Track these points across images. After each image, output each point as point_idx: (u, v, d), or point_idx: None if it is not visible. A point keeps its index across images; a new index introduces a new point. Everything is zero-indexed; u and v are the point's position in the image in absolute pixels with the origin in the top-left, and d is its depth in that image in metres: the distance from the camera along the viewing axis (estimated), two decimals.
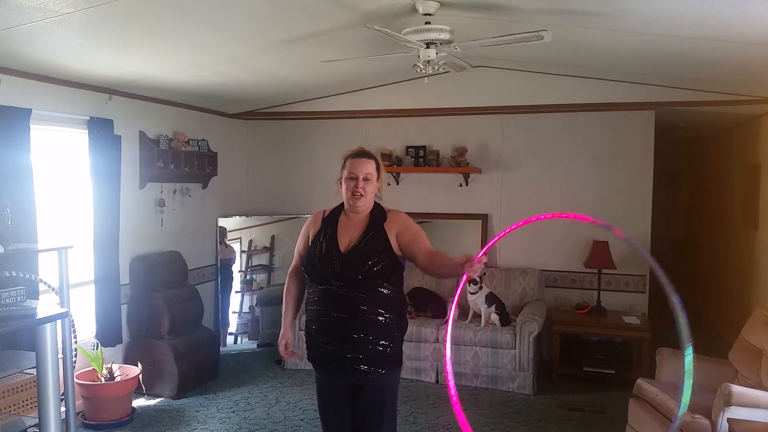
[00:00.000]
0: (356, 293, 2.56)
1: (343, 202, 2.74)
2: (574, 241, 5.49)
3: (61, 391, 2.90)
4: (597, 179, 5.48)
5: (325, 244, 2.64)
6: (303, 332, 2.89)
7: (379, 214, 2.71)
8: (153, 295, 4.79)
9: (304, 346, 2.79)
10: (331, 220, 2.73)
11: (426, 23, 3.30)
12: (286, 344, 2.80)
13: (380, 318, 2.58)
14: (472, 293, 5.06)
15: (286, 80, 5.10)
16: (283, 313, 2.84)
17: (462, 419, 1.97)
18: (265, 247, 6.27)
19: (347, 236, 2.66)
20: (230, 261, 6.10)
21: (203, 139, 5.65)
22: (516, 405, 4.62)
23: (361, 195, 2.64)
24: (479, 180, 5.80)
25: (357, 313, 2.55)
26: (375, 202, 2.75)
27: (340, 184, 2.72)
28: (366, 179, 2.64)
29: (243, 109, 6.16)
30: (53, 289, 3.39)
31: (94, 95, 4.46)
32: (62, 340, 3.42)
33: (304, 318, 2.78)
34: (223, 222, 5.98)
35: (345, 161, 2.71)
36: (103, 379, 4.27)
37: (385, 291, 2.61)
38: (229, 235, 6.07)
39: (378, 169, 2.71)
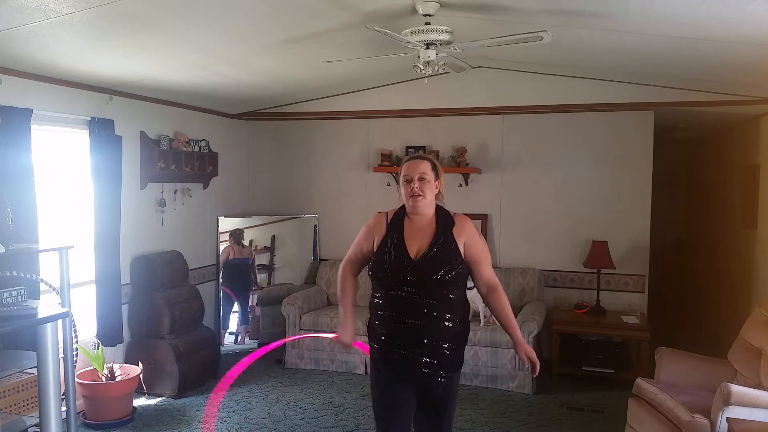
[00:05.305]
0: (428, 299, 2.56)
1: (403, 205, 2.72)
2: (573, 241, 5.49)
3: (62, 391, 2.91)
4: (596, 179, 5.48)
5: (394, 251, 2.62)
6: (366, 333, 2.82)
7: (446, 219, 2.69)
8: (154, 295, 4.81)
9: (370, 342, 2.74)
10: (396, 225, 2.69)
11: (426, 24, 3.30)
12: (351, 340, 2.76)
13: (448, 323, 2.59)
14: (468, 289, 5.04)
15: (287, 80, 5.11)
16: (342, 310, 2.80)
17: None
18: (265, 247, 6.27)
19: (416, 242, 2.63)
20: (247, 260, 6.11)
21: (204, 140, 5.66)
22: (515, 404, 4.63)
23: (420, 195, 2.62)
24: (479, 180, 5.80)
25: (430, 319, 2.56)
26: (439, 206, 2.73)
27: (400, 190, 2.71)
28: (422, 179, 2.63)
29: (243, 109, 6.17)
30: (54, 289, 3.40)
31: (95, 95, 4.47)
32: (63, 340, 3.43)
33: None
34: (223, 222, 5.99)
35: (401, 168, 2.71)
36: (103, 378, 4.29)
37: (453, 296, 2.63)
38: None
39: (435, 170, 2.69)
